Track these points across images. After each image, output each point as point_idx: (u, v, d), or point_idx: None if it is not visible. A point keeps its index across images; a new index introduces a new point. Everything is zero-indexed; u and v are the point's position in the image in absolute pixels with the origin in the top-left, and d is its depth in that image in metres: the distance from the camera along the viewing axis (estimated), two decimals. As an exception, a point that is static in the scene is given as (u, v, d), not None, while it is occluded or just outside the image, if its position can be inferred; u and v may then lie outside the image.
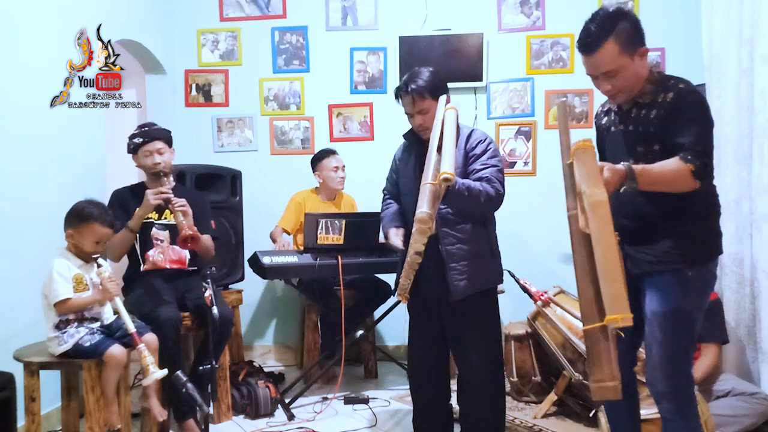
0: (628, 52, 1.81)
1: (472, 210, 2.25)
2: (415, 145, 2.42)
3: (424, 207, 1.81)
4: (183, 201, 2.72)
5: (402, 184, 2.47)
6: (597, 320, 1.48)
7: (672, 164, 1.73)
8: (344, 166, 3.74)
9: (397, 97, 2.38)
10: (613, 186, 1.71)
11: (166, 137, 2.90)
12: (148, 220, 2.82)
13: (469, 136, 2.33)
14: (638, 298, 1.88)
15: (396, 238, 2.35)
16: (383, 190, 2.64)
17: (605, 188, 1.68)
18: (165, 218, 2.89)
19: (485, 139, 2.33)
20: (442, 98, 2.29)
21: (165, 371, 2.31)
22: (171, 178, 2.83)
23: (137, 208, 2.78)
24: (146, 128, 2.90)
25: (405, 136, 2.48)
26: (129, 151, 2.90)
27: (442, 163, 1.88)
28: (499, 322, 2.45)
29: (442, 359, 2.46)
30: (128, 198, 2.88)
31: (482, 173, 2.24)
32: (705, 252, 1.85)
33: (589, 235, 1.55)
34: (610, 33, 1.79)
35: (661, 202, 1.82)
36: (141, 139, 2.84)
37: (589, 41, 1.82)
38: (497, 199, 2.23)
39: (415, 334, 2.51)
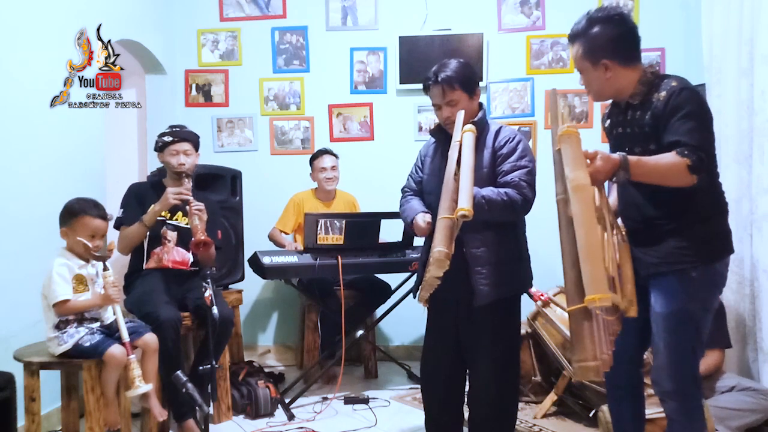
0: (588, 59, 1.86)
1: (495, 220, 2.15)
2: (442, 142, 2.31)
3: (440, 245, 1.77)
4: (201, 205, 2.75)
5: (425, 181, 2.37)
6: (579, 302, 1.49)
7: (668, 158, 1.73)
8: (334, 166, 3.73)
9: (425, 88, 2.27)
10: (603, 174, 1.72)
11: (195, 140, 2.94)
12: (160, 218, 2.84)
13: (497, 134, 2.25)
14: (645, 299, 1.88)
15: (422, 222, 2.21)
16: (402, 189, 2.49)
17: (595, 176, 1.70)
18: (176, 219, 2.91)
19: (514, 138, 2.22)
20: (461, 113, 2.19)
21: (150, 386, 2.32)
22: (190, 181, 2.85)
23: (153, 204, 2.79)
24: (177, 128, 2.93)
25: (432, 132, 2.39)
26: (156, 149, 2.92)
27: (460, 197, 1.82)
28: (519, 330, 2.36)
29: (456, 363, 2.34)
30: (146, 192, 2.90)
31: (510, 177, 2.15)
32: (709, 252, 1.83)
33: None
34: (582, 35, 1.86)
35: (664, 203, 1.82)
36: (170, 138, 2.86)
37: (569, 35, 1.92)
38: (523, 206, 2.14)
39: (430, 335, 2.41)
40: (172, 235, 2.88)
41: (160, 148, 2.89)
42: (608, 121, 2.04)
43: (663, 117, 1.78)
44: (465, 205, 1.79)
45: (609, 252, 1.72)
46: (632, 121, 1.88)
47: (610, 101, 2.02)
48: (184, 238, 2.88)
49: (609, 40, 1.84)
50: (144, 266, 2.85)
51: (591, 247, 1.50)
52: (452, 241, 1.86)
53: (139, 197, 2.88)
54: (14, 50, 2.64)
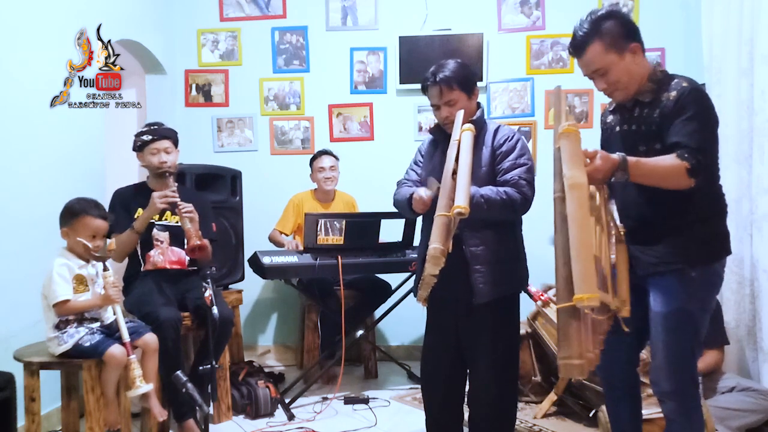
0: (614, 50, 1.84)
1: (494, 219, 2.17)
2: (441, 140, 2.32)
3: (436, 242, 1.78)
4: (190, 206, 2.73)
5: (423, 179, 2.36)
6: (569, 300, 1.49)
7: (667, 160, 1.74)
8: (333, 167, 3.73)
9: (423, 89, 2.29)
10: (602, 174, 1.72)
11: (174, 137, 2.91)
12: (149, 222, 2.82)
13: (496, 133, 2.26)
14: (643, 298, 1.88)
15: (424, 194, 2.16)
16: (398, 182, 2.46)
17: (594, 175, 1.70)
18: (165, 219, 2.89)
19: (513, 136, 2.25)
20: (460, 113, 2.19)
21: (150, 386, 2.32)
22: (173, 179, 2.84)
23: (139, 208, 2.79)
24: (155, 127, 2.90)
25: (431, 131, 2.40)
26: (135, 149, 2.89)
27: (457, 195, 1.83)
28: (518, 329, 2.36)
29: (456, 363, 2.33)
30: (131, 197, 2.88)
31: (510, 175, 2.17)
32: (708, 253, 1.84)
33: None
34: (594, 34, 1.85)
35: (663, 203, 1.82)
36: (149, 137, 2.83)
37: (575, 44, 1.90)
38: (522, 205, 2.15)
39: (430, 334, 2.40)
40: (163, 236, 2.86)
41: (139, 147, 2.85)
42: (611, 117, 2.02)
43: (670, 116, 1.78)
44: (461, 202, 1.80)
45: (604, 251, 1.72)
46: (640, 118, 1.88)
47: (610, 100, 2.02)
48: (178, 236, 2.86)
49: (624, 25, 1.86)
50: (142, 269, 2.84)
51: (583, 246, 1.50)
52: (449, 238, 1.86)
53: (123, 203, 2.85)
54: (14, 50, 2.64)
